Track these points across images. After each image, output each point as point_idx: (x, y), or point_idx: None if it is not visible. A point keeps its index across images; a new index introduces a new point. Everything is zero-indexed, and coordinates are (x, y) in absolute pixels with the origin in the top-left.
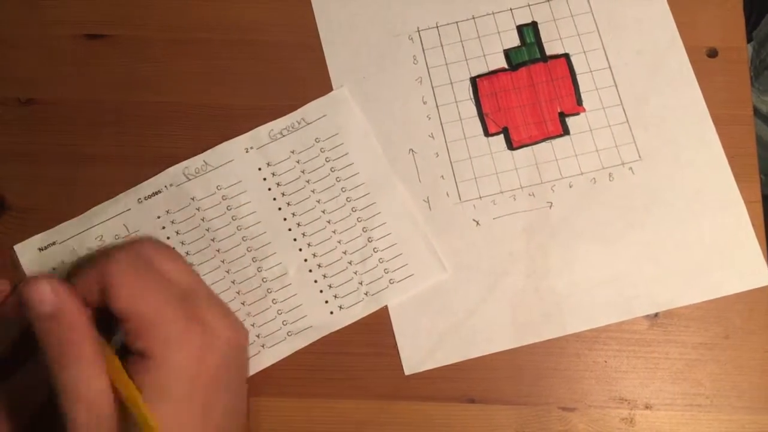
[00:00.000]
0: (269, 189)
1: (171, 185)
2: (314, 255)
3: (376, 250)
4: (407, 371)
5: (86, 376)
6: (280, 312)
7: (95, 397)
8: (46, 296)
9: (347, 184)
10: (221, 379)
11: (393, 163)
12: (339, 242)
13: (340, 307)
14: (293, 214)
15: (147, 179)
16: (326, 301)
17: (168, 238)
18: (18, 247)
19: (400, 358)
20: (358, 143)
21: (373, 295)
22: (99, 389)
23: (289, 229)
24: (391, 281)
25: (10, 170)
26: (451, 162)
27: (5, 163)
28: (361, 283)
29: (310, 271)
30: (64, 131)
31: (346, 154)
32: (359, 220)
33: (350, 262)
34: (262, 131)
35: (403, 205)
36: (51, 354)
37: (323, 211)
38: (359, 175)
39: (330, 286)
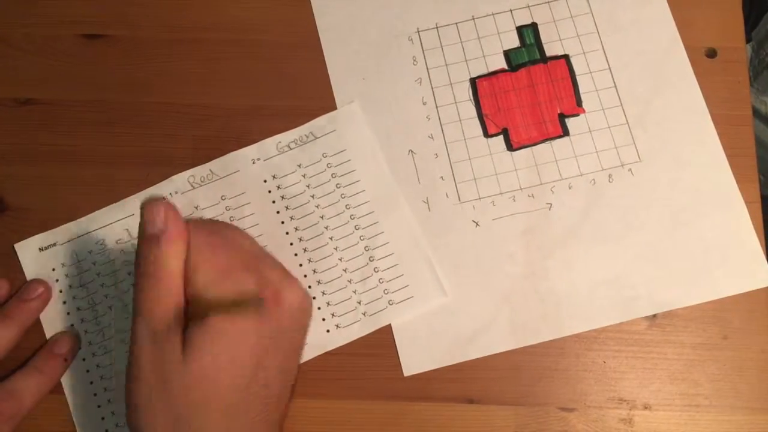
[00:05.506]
0: (273, 201)
1: (176, 192)
2: (314, 271)
3: (377, 269)
4: (406, 372)
5: (157, 297)
6: None
7: (158, 320)
8: (158, 218)
9: (352, 201)
10: (279, 342)
11: (392, 164)
12: (340, 260)
13: (337, 326)
14: (296, 229)
15: (146, 179)
16: (323, 319)
17: None
18: (18, 246)
19: (399, 358)
20: (365, 161)
21: (371, 315)
22: (165, 317)
23: (291, 244)
24: (391, 302)
25: (9, 170)
26: (450, 163)
27: (4, 163)
28: (359, 303)
29: (309, 287)
30: (63, 131)
31: (352, 171)
32: (362, 238)
33: (350, 281)
34: (270, 143)
35: (407, 225)
36: (138, 269)
37: (326, 227)
38: (364, 193)
39: (328, 304)
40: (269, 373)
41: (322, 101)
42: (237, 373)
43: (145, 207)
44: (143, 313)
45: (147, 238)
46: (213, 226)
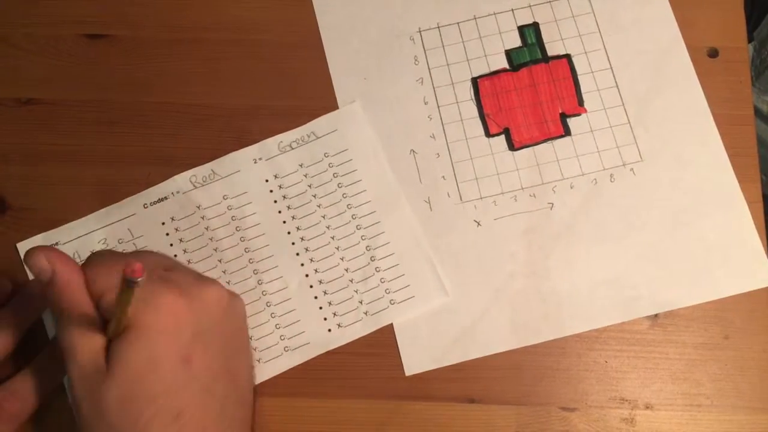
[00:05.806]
0: (275, 201)
1: (177, 192)
2: (316, 271)
3: (378, 269)
4: (408, 371)
5: (80, 333)
6: (278, 326)
7: (86, 352)
8: (44, 265)
9: (353, 201)
10: (208, 341)
11: (394, 164)
12: (342, 259)
13: (339, 325)
14: (298, 228)
15: (147, 179)
16: (325, 318)
17: (171, 245)
18: (21, 246)
19: (400, 358)
20: (366, 160)
21: (372, 315)
22: (95, 346)
23: (293, 243)
24: (392, 302)
25: (10, 170)
26: (452, 162)
27: (5, 163)
28: (361, 302)
29: (311, 286)
30: (65, 131)
31: (354, 170)
32: (363, 238)
33: (351, 280)
34: (271, 143)
35: (409, 225)
36: (54, 311)
37: (328, 227)
38: (366, 193)
39: (330, 303)
40: (208, 374)
41: (324, 101)
42: (167, 369)
43: (27, 260)
44: (74, 354)
45: (47, 286)
46: (119, 253)
